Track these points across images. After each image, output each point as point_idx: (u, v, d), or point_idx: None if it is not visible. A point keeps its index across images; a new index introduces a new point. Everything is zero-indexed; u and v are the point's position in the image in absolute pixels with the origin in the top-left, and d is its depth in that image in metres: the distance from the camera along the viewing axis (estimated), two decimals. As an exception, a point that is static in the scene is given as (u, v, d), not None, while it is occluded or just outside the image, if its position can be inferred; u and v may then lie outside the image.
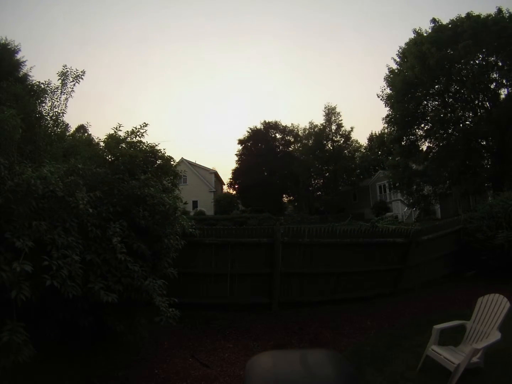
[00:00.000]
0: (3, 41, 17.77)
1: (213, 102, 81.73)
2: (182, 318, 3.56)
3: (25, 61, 18.22)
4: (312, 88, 78.96)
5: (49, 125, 5.61)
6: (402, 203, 26.40)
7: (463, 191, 19.68)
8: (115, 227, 3.20)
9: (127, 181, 3.69)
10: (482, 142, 19.91)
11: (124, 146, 4.27)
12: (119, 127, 4.35)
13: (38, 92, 5.40)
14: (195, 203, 30.60)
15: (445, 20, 19.50)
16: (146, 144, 4.56)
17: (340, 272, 5.98)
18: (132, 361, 3.87)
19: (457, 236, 7.48)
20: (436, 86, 19.73)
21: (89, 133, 8.11)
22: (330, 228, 6.64)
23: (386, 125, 23.35)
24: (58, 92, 5.60)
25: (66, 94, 5.65)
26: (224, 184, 40.65)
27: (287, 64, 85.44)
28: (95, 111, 65.60)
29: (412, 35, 20.77)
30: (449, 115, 19.90)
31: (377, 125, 70.46)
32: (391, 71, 22.12)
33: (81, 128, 9.31)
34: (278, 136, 38.56)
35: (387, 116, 21.73)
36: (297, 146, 37.74)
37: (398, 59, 22.05)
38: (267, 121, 37.82)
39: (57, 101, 5.62)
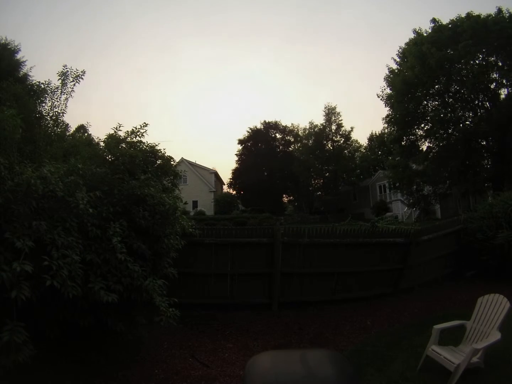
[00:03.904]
0: (3, 41, 17.77)
1: (213, 102, 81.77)
2: (182, 318, 3.56)
3: (25, 61, 18.23)
4: (312, 88, 78.98)
5: (49, 125, 5.62)
6: (402, 203, 26.39)
7: (463, 191, 19.68)
8: (115, 227, 3.20)
9: (127, 181, 3.69)
10: (482, 142, 19.91)
11: (124, 146, 4.27)
12: (119, 127, 4.35)
13: (38, 92, 5.41)
14: (195, 203, 30.59)
15: (445, 20, 19.53)
16: (146, 144, 4.55)
17: (340, 272, 5.97)
18: (132, 361, 3.87)
19: (457, 236, 7.48)
20: (436, 86, 19.72)
21: (89, 133, 8.13)
22: (330, 228, 6.65)
23: (386, 125, 23.39)
24: (58, 92, 5.61)
25: (66, 94, 5.67)
26: (224, 184, 40.66)
27: (287, 64, 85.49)
28: (95, 111, 65.61)
29: (412, 35, 20.84)
30: (449, 115, 19.90)
31: (377, 125, 70.57)
32: (391, 71, 22.13)
33: (81, 128, 9.31)
34: (278, 136, 38.59)
35: (387, 116, 21.76)
36: (297, 146, 37.74)
37: (398, 59, 22.07)
38: (267, 121, 37.87)
39: (57, 101, 5.64)
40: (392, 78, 21.25)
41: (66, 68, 5.55)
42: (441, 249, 7.14)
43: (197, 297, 5.46)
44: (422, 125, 21.21)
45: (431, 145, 21.33)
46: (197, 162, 34.45)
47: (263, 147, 36.87)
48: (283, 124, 38.13)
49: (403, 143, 21.36)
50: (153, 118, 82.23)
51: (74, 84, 5.66)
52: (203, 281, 5.54)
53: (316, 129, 34.93)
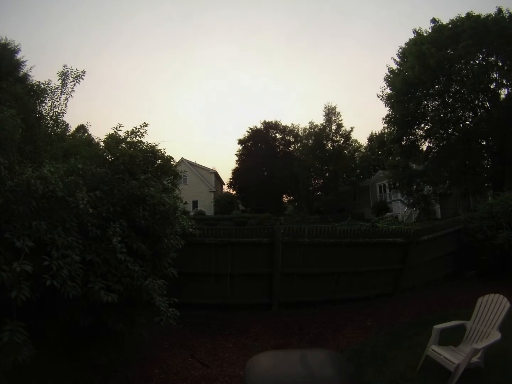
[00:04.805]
0: (3, 41, 17.79)
1: (213, 102, 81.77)
2: (182, 318, 3.56)
3: (25, 61, 18.26)
4: (312, 88, 78.96)
5: (49, 125, 5.62)
6: (402, 203, 26.40)
7: (463, 191, 19.71)
8: (115, 227, 3.20)
9: (127, 181, 3.69)
10: (482, 142, 19.91)
11: (124, 146, 4.26)
12: (119, 127, 4.35)
13: (38, 92, 5.41)
14: (195, 203, 30.59)
15: (445, 20, 19.55)
16: (146, 144, 4.55)
17: (340, 272, 5.98)
18: (132, 361, 3.87)
19: (457, 236, 7.48)
20: (436, 86, 19.72)
21: (89, 133, 8.14)
22: (330, 228, 6.65)
23: (386, 125, 23.40)
24: (58, 92, 5.62)
25: (66, 94, 5.68)
26: (224, 184, 40.66)
27: (287, 64, 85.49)
28: (95, 111, 65.58)
29: (412, 35, 20.85)
30: (449, 115, 19.89)
31: (377, 125, 70.34)
32: (391, 71, 22.15)
33: (81, 128, 9.32)
34: (278, 136, 38.56)
35: (387, 116, 21.76)
36: (297, 146, 37.72)
37: (398, 59, 22.08)
38: (267, 121, 37.84)
39: (57, 101, 5.65)
40: (392, 78, 21.26)
41: (66, 68, 5.56)
42: (441, 249, 7.14)
43: (197, 297, 5.46)
44: (422, 125, 21.22)
45: (431, 145, 21.37)
46: (197, 162, 34.46)
47: (263, 147, 36.85)
48: (283, 124, 38.16)
49: (403, 143, 21.37)
50: (153, 118, 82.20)
51: (74, 84, 5.66)
52: (203, 281, 5.54)
53: (316, 129, 34.91)
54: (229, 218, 25.18)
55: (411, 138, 21.52)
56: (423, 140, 21.59)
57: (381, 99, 22.22)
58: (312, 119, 52.29)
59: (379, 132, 38.63)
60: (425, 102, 20.74)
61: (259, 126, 37.68)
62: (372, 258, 6.18)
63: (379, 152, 37.80)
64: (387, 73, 22.36)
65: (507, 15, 17.68)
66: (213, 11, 78.91)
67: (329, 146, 34.35)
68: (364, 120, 73.00)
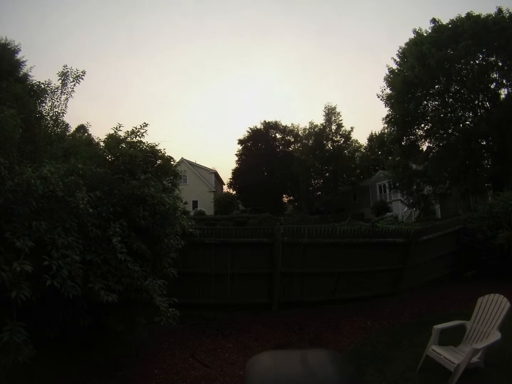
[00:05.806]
0: (3, 41, 17.80)
1: (213, 102, 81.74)
2: (182, 318, 3.56)
3: (25, 61, 18.28)
4: (312, 88, 78.93)
5: (49, 125, 5.61)
6: (402, 203, 26.39)
7: (463, 191, 19.71)
8: (115, 227, 3.20)
9: (127, 181, 3.69)
10: (482, 142, 19.91)
11: (124, 146, 4.26)
12: (119, 127, 4.35)
13: (38, 92, 5.40)
14: (195, 203, 30.59)
15: (445, 20, 19.58)
16: (146, 144, 4.55)
17: (340, 272, 5.97)
18: (132, 361, 3.87)
19: (457, 236, 7.49)
20: (436, 86, 19.75)
21: (89, 133, 8.13)
22: (330, 228, 6.65)
23: (386, 125, 23.41)
24: (58, 92, 5.60)
25: (66, 94, 5.66)
26: (224, 184, 40.68)
27: (287, 64, 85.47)
28: (96, 111, 65.58)
29: (412, 35, 20.87)
30: (449, 115, 19.91)
31: (377, 125, 70.44)
32: (391, 71, 22.17)
33: (81, 128, 9.33)
34: (278, 136, 38.67)
35: (387, 116, 21.79)
36: (297, 146, 37.79)
37: (398, 59, 22.10)
38: (267, 121, 37.96)
39: (57, 101, 5.63)
40: (392, 78, 21.29)
41: (66, 68, 5.55)
42: (441, 249, 7.14)
43: (197, 297, 5.46)
44: (422, 125, 21.26)
45: (431, 145, 21.41)
46: (197, 162, 34.47)
47: (263, 147, 36.93)
48: (283, 124, 38.31)
49: (403, 143, 21.39)
50: (153, 118, 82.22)
51: (74, 84, 5.65)
52: (203, 281, 5.54)
53: (316, 129, 34.95)
54: (229, 218, 25.18)
55: (411, 138, 21.54)
56: (423, 140, 21.62)
57: (381, 99, 22.30)
58: (312, 119, 52.43)
59: (379, 132, 38.61)
60: (425, 102, 20.77)
61: (259, 126, 37.81)
62: (372, 258, 6.17)
63: (379, 152, 37.75)
64: (387, 73, 22.44)
65: (507, 15, 17.71)
66: (212, 12, 78.98)
67: (329, 146, 34.37)
68: (364, 120, 73.09)
